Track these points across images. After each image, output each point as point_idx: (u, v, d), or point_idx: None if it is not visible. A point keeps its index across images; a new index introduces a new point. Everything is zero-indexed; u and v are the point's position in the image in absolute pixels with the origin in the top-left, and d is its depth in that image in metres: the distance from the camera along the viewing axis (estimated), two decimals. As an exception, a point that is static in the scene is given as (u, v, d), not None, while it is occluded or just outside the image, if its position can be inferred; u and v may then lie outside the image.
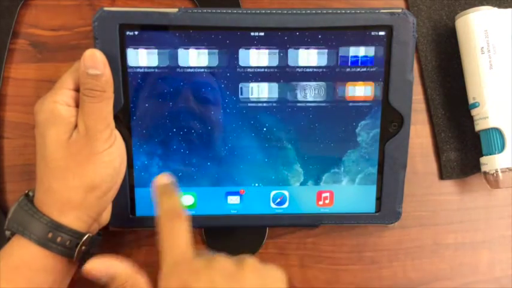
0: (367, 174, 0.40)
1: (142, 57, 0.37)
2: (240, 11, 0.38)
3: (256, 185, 0.40)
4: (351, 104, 0.39)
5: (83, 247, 0.34)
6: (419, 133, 0.44)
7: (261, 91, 0.39)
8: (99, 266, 0.32)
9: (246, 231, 0.43)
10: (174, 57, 0.38)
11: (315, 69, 0.39)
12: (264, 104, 0.39)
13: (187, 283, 0.30)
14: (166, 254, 0.32)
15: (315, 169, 0.40)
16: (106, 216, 0.38)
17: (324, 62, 0.39)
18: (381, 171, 0.40)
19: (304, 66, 0.39)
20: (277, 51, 0.38)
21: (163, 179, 0.35)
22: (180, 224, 0.33)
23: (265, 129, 0.40)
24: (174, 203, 0.34)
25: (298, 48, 0.38)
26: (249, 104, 0.39)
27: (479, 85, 0.41)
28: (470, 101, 0.42)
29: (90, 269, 0.32)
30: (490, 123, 0.41)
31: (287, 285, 0.33)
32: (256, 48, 0.38)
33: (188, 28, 0.37)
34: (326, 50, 0.38)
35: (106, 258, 0.33)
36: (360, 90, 0.39)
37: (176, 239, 0.32)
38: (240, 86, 0.39)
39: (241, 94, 0.39)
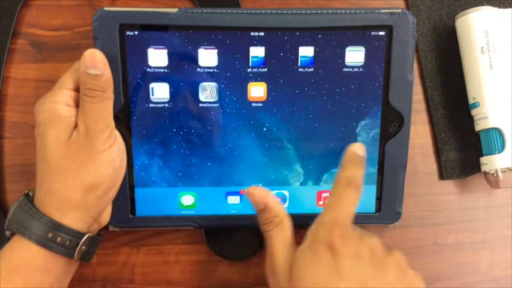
0: (367, 174, 0.40)
1: (142, 57, 0.37)
2: (240, 11, 0.38)
3: (257, 184, 0.40)
4: (350, 103, 0.39)
5: (83, 247, 0.34)
6: (419, 133, 0.44)
7: (260, 91, 0.39)
8: (260, 193, 0.35)
9: (246, 231, 0.42)
10: (174, 57, 0.38)
11: (314, 69, 0.39)
12: (264, 104, 0.39)
13: (334, 243, 0.31)
14: (330, 210, 0.33)
15: (315, 169, 0.40)
16: (106, 216, 0.38)
17: (323, 62, 0.38)
18: (381, 171, 0.40)
19: (304, 66, 0.38)
20: (276, 51, 0.38)
21: (360, 149, 0.35)
22: (354, 193, 0.33)
23: (265, 129, 0.40)
24: (358, 173, 0.34)
25: (298, 48, 0.38)
26: (249, 104, 0.39)
27: (479, 85, 0.41)
28: (470, 101, 0.42)
29: (252, 192, 0.35)
30: (490, 123, 0.41)
31: None
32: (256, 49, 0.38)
33: (188, 28, 0.37)
34: (326, 50, 0.38)
35: (265, 190, 0.35)
36: (360, 90, 0.39)
37: (343, 202, 0.33)
38: (239, 86, 0.39)
39: (241, 94, 0.39)
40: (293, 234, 0.35)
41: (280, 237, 0.34)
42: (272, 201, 0.35)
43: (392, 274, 0.31)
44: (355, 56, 0.38)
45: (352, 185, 0.34)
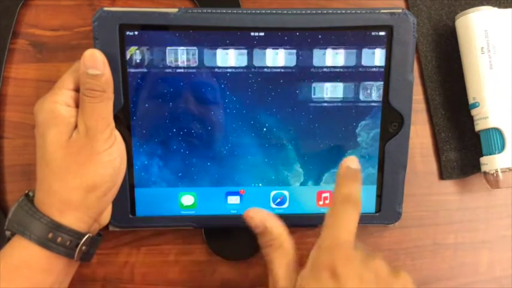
0: (367, 174, 0.40)
1: (142, 57, 0.37)
2: (240, 11, 0.38)
3: (256, 185, 0.40)
4: (350, 104, 0.39)
5: (83, 247, 0.34)
6: (419, 133, 0.44)
7: (260, 91, 0.39)
8: (259, 215, 0.35)
9: (246, 231, 0.42)
10: (174, 57, 0.38)
11: (314, 70, 0.39)
12: (264, 104, 0.39)
13: (337, 267, 0.30)
14: (330, 233, 0.32)
15: (315, 169, 0.40)
16: (106, 216, 0.38)
17: (323, 62, 0.38)
18: (381, 171, 0.40)
19: (304, 66, 0.38)
20: (277, 51, 0.38)
21: (354, 162, 0.34)
22: (352, 210, 0.32)
23: (265, 129, 0.40)
24: (355, 189, 0.33)
25: (298, 49, 0.38)
26: (249, 104, 0.39)
27: (479, 85, 0.41)
28: (470, 101, 0.42)
29: (251, 216, 0.35)
30: (490, 123, 0.41)
31: None
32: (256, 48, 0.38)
33: (188, 28, 0.37)
34: (326, 50, 0.38)
35: (265, 212, 0.35)
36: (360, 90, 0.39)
37: (343, 221, 0.32)
38: (240, 86, 0.39)
39: (242, 94, 0.39)
40: (295, 257, 0.34)
41: (281, 261, 0.33)
42: (271, 223, 0.34)
43: None
44: (355, 56, 0.38)
45: (351, 202, 0.32)
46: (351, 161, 0.34)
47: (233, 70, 0.38)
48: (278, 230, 0.34)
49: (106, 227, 0.39)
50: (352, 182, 0.33)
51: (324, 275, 0.30)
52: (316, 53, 0.38)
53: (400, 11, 0.38)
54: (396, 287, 0.31)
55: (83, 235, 0.34)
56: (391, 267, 0.32)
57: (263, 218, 0.34)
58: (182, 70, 0.38)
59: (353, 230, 0.32)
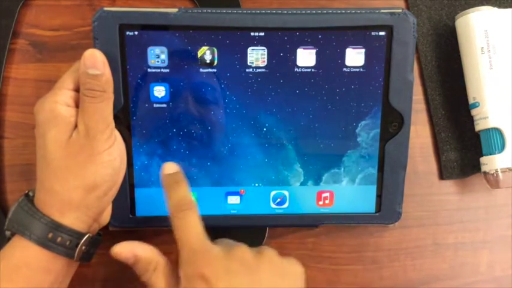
0: (367, 174, 0.40)
1: (142, 57, 0.37)
2: (240, 11, 0.38)
3: (256, 185, 0.40)
4: (351, 103, 0.39)
5: (83, 247, 0.34)
6: (419, 133, 0.44)
7: (260, 91, 0.39)
8: (125, 249, 0.34)
9: (246, 231, 0.42)
10: (174, 57, 0.38)
11: (314, 70, 0.39)
12: (264, 104, 0.39)
13: (204, 272, 0.31)
14: (183, 245, 0.32)
15: (315, 169, 0.40)
16: (106, 216, 0.38)
17: (323, 62, 0.38)
18: (381, 171, 0.40)
19: (304, 67, 0.38)
20: (276, 51, 0.38)
21: (170, 168, 0.35)
22: (191, 214, 0.33)
23: (265, 129, 0.40)
24: (183, 193, 0.34)
25: (298, 48, 0.38)
26: (249, 104, 0.39)
27: (479, 85, 0.41)
28: (470, 101, 0.42)
29: (117, 252, 0.34)
30: (490, 123, 0.41)
31: (304, 282, 0.33)
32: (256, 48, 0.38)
33: (188, 28, 0.37)
34: (326, 50, 0.38)
35: (130, 242, 0.34)
36: (360, 90, 0.39)
37: (190, 228, 0.33)
38: (239, 86, 0.39)
39: (241, 94, 0.39)
40: (172, 273, 0.34)
41: (161, 282, 0.34)
42: (140, 250, 0.34)
43: (266, 272, 0.32)
44: (355, 56, 0.38)
45: (185, 205, 0.33)
46: (168, 168, 0.35)
47: (233, 70, 0.38)
48: (149, 253, 0.34)
49: (106, 227, 0.39)
50: (177, 186, 0.34)
51: (197, 284, 0.31)
52: (316, 52, 0.38)
53: (400, 11, 0.38)
54: (262, 263, 0.32)
55: (83, 235, 0.34)
56: (253, 249, 0.33)
57: (131, 248, 0.34)
58: (182, 70, 0.38)
59: (200, 230, 0.33)
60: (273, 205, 0.41)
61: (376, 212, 0.41)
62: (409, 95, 0.39)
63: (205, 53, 0.38)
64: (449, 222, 0.45)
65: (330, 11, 0.38)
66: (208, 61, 0.38)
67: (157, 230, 0.42)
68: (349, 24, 0.38)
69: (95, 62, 0.33)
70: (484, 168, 0.42)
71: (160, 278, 0.34)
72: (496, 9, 0.41)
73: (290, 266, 0.34)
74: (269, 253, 0.33)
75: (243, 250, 0.33)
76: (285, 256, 0.34)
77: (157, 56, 0.38)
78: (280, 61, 0.38)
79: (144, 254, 0.34)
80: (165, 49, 0.37)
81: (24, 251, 0.33)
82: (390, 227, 0.44)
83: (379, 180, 0.41)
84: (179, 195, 0.34)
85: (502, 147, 0.41)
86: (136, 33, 0.37)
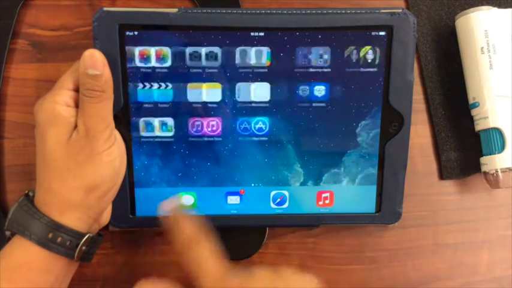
0: (367, 174, 0.40)
1: (142, 57, 0.37)
2: (240, 11, 0.38)
3: (256, 185, 0.40)
4: (351, 103, 0.39)
5: (84, 247, 0.34)
6: (419, 133, 0.44)
7: (261, 91, 0.39)
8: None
9: (246, 231, 0.43)
10: (174, 57, 0.38)
11: (314, 70, 0.39)
12: (264, 105, 0.39)
13: None
14: (201, 283, 0.31)
15: (315, 169, 0.40)
16: (106, 217, 0.38)
17: (323, 62, 0.38)
18: (381, 171, 0.40)
19: (304, 66, 0.38)
20: (276, 51, 0.38)
21: (170, 206, 0.33)
22: (201, 248, 0.32)
23: (265, 129, 0.40)
24: (189, 230, 0.32)
25: (297, 48, 0.38)
26: (249, 104, 0.39)
27: (479, 85, 0.41)
28: (470, 101, 0.42)
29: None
30: (490, 123, 0.41)
31: None
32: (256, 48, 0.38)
33: (188, 28, 0.37)
34: (326, 50, 0.38)
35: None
36: (360, 90, 0.39)
37: (204, 265, 0.31)
38: (239, 86, 0.39)
39: (241, 94, 0.39)
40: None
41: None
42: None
43: None
44: (355, 56, 0.38)
45: (196, 242, 0.32)
46: (167, 207, 0.33)
47: (234, 70, 0.38)
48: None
49: (106, 227, 0.39)
50: (182, 225, 0.32)
51: None
52: (316, 52, 0.38)
53: (400, 11, 0.38)
54: (282, 286, 0.31)
55: (83, 235, 0.34)
56: (270, 270, 0.32)
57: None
58: (182, 70, 0.38)
59: (216, 262, 0.31)
60: (273, 205, 0.41)
61: (376, 212, 0.41)
62: (409, 95, 0.39)
63: (208, 52, 0.38)
64: (449, 222, 0.45)
65: (330, 11, 0.38)
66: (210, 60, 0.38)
67: (157, 230, 0.42)
68: (349, 24, 0.38)
69: (95, 62, 0.33)
70: (484, 168, 0.42)
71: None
72: (496, 9, 0.41)
73: (308, 282, 0.33)
74: (288, 274, 0.32)
75: (260, 275, 0.31)
76: (302, 273, 0.33)
77: (157, 56, 0.38)
78: (280, 61, 0.38)
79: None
80: (165, 49, 0.37)
81: (24, 251, 0.33)
82: (390, 226, 0.44)
83: (379, 180, 0.41)
84: (186, 233, 0.32)
85: (502, 147, 0.41)
86: (136, 33, 0.37)
